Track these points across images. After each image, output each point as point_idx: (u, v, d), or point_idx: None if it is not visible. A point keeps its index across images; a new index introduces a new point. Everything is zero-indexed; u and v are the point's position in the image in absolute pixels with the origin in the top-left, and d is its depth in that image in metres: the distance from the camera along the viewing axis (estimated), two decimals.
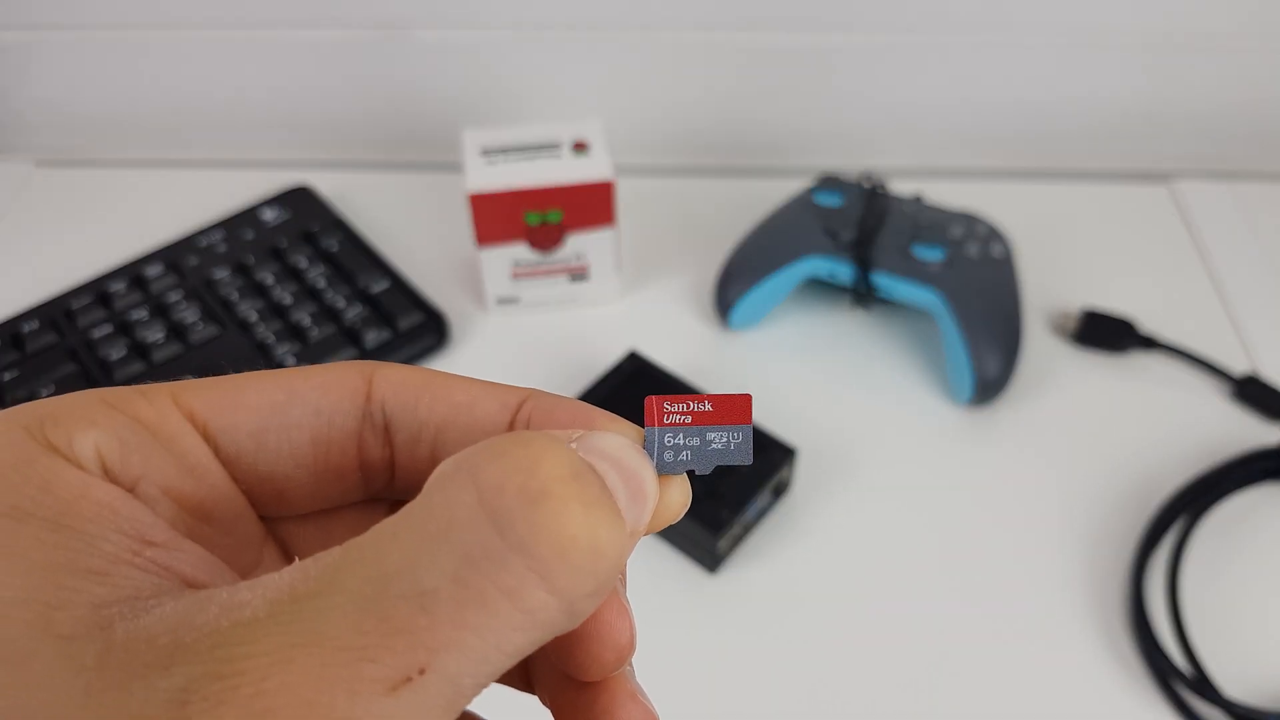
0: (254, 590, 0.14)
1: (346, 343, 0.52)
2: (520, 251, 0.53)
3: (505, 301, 0.55)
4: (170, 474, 0.17)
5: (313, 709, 0.13)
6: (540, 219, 0.51)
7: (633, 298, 0.57)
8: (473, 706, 0.20)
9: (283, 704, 0.13)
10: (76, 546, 0.15)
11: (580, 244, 0.53)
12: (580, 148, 0.52)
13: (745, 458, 0.19)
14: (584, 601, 0.15)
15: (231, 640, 0.14)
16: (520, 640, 0.15)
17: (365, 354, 0.52)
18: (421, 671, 0.14)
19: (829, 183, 0.55)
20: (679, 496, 0.18)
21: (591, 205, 0.51)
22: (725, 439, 0.19)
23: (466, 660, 0.14)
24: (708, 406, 0.18)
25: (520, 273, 0.54)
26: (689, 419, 0.18)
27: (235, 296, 0.54)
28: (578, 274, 0.55)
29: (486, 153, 0.52)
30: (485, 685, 0.15)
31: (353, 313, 0.53)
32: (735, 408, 0.19)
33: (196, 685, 0.13)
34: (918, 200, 0.55)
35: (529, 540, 0.14)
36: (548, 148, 0.52)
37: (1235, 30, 0.61)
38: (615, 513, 0.16)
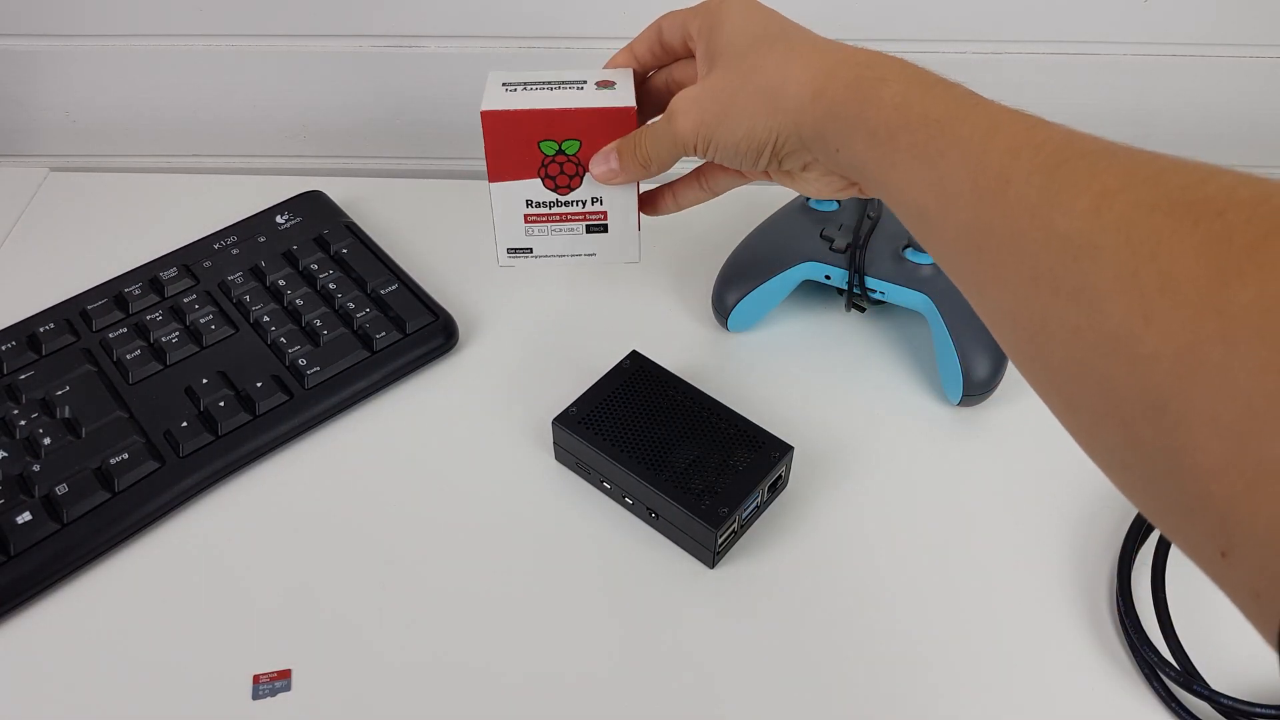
0: None
1: (357, 343, 0.54)
2: (534, 189, 0.50)
3: (517, 253, 0.52)
4: None
5: None
6: (556, 148, 0.49)
7: (634, 300, 0.59)
8: None
9: None
10: None
11: (599, 187, 0.50)
12: (605, 84, 0.49)
13: None
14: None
15: None
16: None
17: (374, 354, 0.53)
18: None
19: None
20: None
21: (611, 136, 0.48)
22: None
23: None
24: None
25: (534, 217, 0.51)
26: None
27: (249, 299, 0.56)
28: (595, 223, 0.51)
29: (508, 85, 0.49)
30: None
31: (362, 315, 0.55)
32: None
33: None
34: None
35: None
36: (572, 84, 0.49)
37: (1211, 39, 0.62)
38: None
